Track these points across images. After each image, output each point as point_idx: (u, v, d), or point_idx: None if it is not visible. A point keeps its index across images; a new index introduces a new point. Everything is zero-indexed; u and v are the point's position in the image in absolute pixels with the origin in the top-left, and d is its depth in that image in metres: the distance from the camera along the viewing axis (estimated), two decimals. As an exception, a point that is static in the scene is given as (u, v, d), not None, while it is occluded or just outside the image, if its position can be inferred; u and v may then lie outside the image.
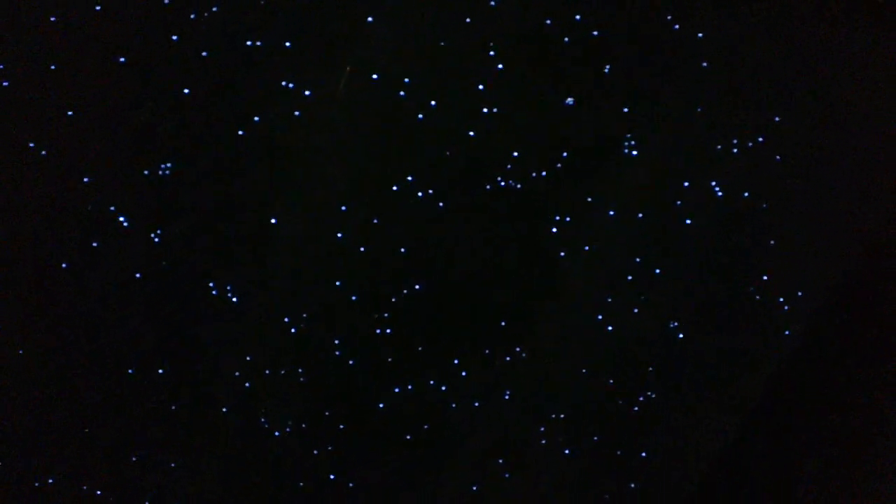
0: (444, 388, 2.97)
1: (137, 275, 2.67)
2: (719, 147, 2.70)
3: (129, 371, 2.78)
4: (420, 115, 2.58)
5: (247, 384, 2.84)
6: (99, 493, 2.86)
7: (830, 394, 2.92)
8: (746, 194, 2.76)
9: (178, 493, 2.94)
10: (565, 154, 2.65)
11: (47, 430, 2.79)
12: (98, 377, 2.77)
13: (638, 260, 2.84)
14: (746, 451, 3.03)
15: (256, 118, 2.55)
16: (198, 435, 2.89)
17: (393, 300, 2.84)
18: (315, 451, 2.96)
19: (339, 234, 2.74)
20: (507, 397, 3.03)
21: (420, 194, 2.71)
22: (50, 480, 2.80)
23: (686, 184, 2.73)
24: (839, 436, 2.88)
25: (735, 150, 2.70)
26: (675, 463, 3.17)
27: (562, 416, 3.08)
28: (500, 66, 2.56)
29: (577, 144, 2.66)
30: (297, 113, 2.57)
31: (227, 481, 2.97)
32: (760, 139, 2.71)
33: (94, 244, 2.63)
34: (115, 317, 2.72)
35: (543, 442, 3.10)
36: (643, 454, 3.16)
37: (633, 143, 2.64)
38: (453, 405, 3.00)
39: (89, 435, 2.81)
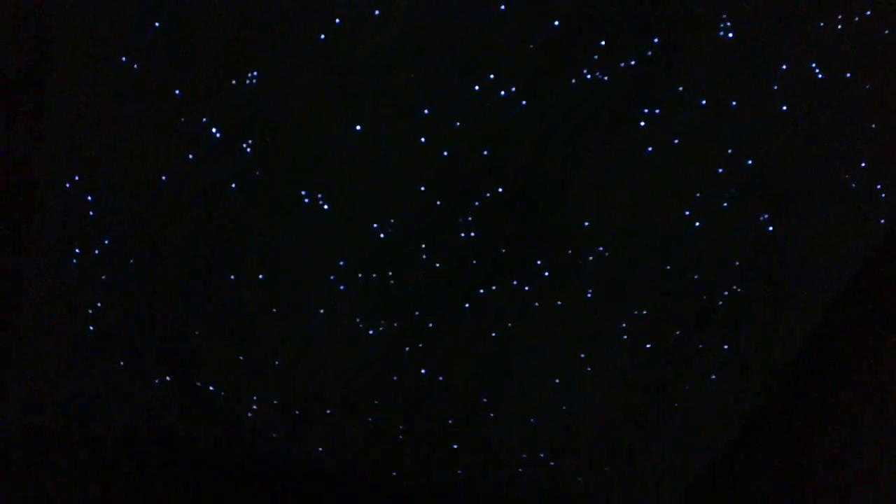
0: (527, 288, 2.92)
1: (233, 185, 2.66)
2: (822, 24, 2.41)
3: (231, 277, 2.82)
4: (503, 6, 2.39)
5: (341, 287, 2.86)
6: (211, 388, 2.98)
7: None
8: (849, 75, 2.49)
9: (281, 391, 3.03)
10: (656, 40, 2.42)
11: (159, 332, 2.89)
12: (191, 281, 2.81)
13: (730, 151, 2.64)
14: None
15: (337, 21, 2.42)
16: (297, 337, 2.95)
17: (476, 204, 2.75)
18: (406, 349, 2.98)
19: (423, 139, 2.63)
20: (589, 296, 2.95)
21: (503, 93, 2.55)
22: (168, 378, 2.92)
23: (784, 66, 2.47)
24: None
25: (840, 27, 2.41)
26: (757, 355, 3.07)
27: (644, 312, 2.99)
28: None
29: (668, 28, 2.42)
30: (377, 12, 2.42)
31: (323, 379, 3.05)
32: (868, 13, 2.40)
33: (190, 156, 2.61)
34: (210, 225, 2.73)
35: (625, 338, 3.04)
36: (725, 347, 3.06)
37: (728, 24, 2.38)
38: (535, 304, 2.95)
39: (195, 338, 2.89)
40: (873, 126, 2.60)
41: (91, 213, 2.63)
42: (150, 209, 2.69)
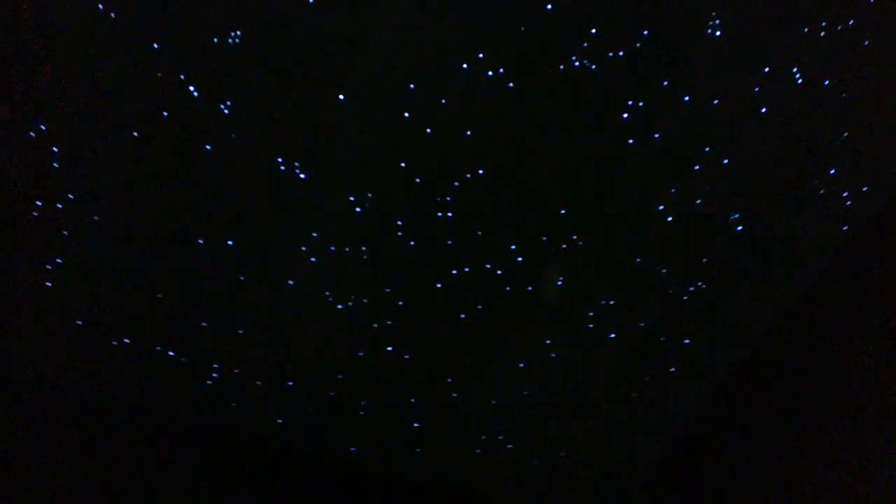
0: (499, 272, 2.91)
1: (207, 146, 2.56)
2: (806, 30, 2.45)
3: (200, 241, 2.73)
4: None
5: (312, 259, 2.79)
6: (171, 353, 2.89)
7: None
8: (827, 83, 2.53)
9: (245, 360, 2.97)
10: (646, 32, 2.41)
11: (125, 294, 2.78)
12: (161, 244, 2.71)
13: (707, 149, 2.67)
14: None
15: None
16: (263, 305, 2.88)
17: (456, 184, 2.71)
18: (375, 325, 2.95)
19: (406, 114, 2.58)
20: (559, 283, 2.96)
21: (490, 73, 2.51)
22: (126, 340, 2.83)
23: (767, 69, 2.50)
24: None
25: (822, 35, 2.45)
26: (716, 351, 3.14)
27: (611, 302, 3.02)
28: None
29: (659, 22, 2.41)
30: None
31: (290, 349, 2.99)
32: (850, 23, 2.44)
33: (165, 113, 2.50)
34: (182, 185, 2.63)
35: (591, 326, 3.07)
36: (686, 342, 3.12)
37: (717, 21, 2.39)
38: (507, 288, 2.94)
39: (160, 301, 2.80)
40: (845, 135, 2.65)
41: (55, 164, 2.50)
42: (116, 165, 2.57)
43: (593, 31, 2.42)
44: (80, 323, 2.76)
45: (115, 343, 2.81)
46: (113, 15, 2.33)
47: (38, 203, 2.55)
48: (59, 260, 2.65)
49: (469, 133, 2.62)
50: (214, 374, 2.94)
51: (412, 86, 2.53)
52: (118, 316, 2.77)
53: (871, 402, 2.64)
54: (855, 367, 2.70)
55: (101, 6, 2.33)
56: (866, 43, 2.45)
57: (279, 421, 3.09)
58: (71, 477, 2.74)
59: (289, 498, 3.07)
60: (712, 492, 3.13)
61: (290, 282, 2.82)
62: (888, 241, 2.66)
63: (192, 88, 2.46)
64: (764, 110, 2.58)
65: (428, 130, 2.61)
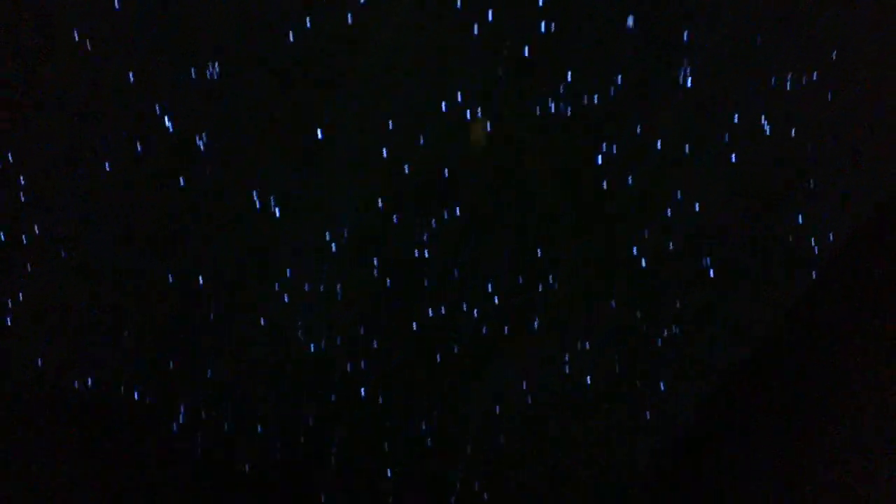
0: (475, 313, 2.88)
1: (181, 180, 2.52)
2: (773, 82, 2.54)
3: (169, 279, 2.66)
4: (475, 30, 2.40)
5: (285, 297, 2.74)
6: (136, 396, 2.78)
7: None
8: (794, 133, 2.61)
9: (213, 402, 2.86)
10: (619, 79, 2.48)
11: (88, 336, 2.69)
12: (133, 279, 2.64)
13: (679, 196, 2.71)
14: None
15: (308, 22, 2.36)
16: (233, 342, 2.80)
17: (433, 223, 2.71)
18: (348, 367, 2.88)
19: (385, 153, 2.58)
20: (535, 325, 2.94)
21: (468, 115, 2.54)
22: (89, 382, 2.72)
23: (736, 118, 2.57)
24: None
25: (789, 87, 2.54)
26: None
27: (587, 345, 3.00)
28: (562, -18, 2.36)
29: (633, 70, 2.48)
30: (349, 18, 2.38)
31: (260, 392, 2.90)
32: (815, 76, 2.54)
33: (139, 148, 2.47)
34: (153, 221, 2.58)
35: (567, 370, 3.03)
36: (661, 387, 3.10)
37: (687, 70, 2.47)
38: (484, 330, 2.91)
39: (128, 342, 2.71)
40: (811, 184, 2.72)
41: (22, 196, 2.43)
42: (90, 197, 2.51)
43: (568, 76, 2.48)
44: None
45: (75, 383, 2.69)
46: (88, 46, 2.32)
47: (2, 237, 2.47)
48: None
49: (446, 173, 2.63)
50: (181, 418, 2.82)
51: (391, 126, 2.55)
52: (83, 352, 2.67)
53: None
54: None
55: (76, 36, 2.32)
56: (829, 98, 2.55)
57: (246, 468, 2.96)
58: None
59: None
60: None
61: (262, 321, 2.75)
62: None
63: (167, 121, 2.45)
64: (733, 159, 2.64)
65: (406, 169, 2.61)
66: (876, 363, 2.63)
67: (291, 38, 2.21)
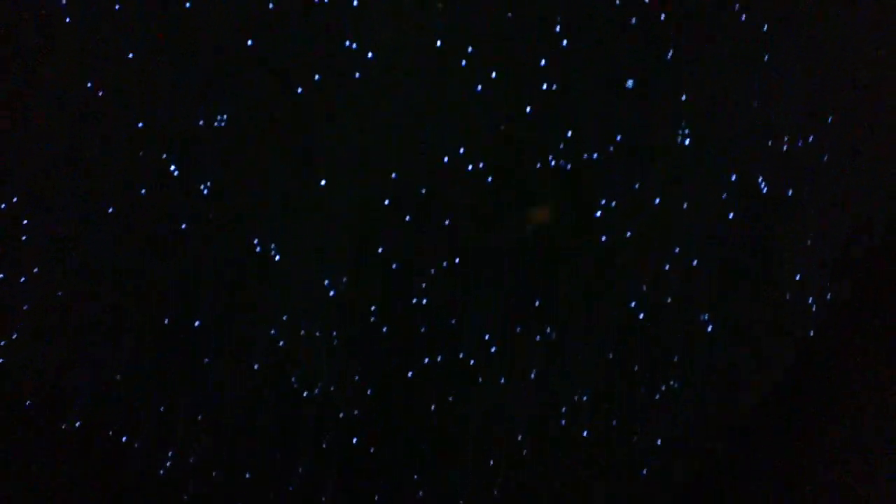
0: (472, 362, 2.85)
1: (183, 225, 2.53)
2: (769, 143, 2.59)
3: (165, 321, 2.65)
4: (479, 87, 2.45)
5: (281, 343, 2.72)
6: (124, 439, 2.74)
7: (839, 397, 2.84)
8: (791, 192, 2.65)
9: (203, 445, 2.82)
10: (619, 137, 2.53)
11: (78, 378, 2.66)
12: (134, 324, 2.63)
13: (677, 250, 2.73)
14: (756, 450, 2.95)
15: (317, 76, 2.42)
16: (228, 389, 2.77)
17: (432, 272, 2.71)
18: (341, 415, 2.84)
19: (387, 202, 2.61)
20: (532, 376, 2.91)
21: (470, 167, 2.58)
22: (77, 423, 2.68)
23: (734, 177, 2.61)
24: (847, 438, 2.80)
25: (785, 148, 2.58)
26: (689, 454, 3.07)
27: (584, 398, 2.97)
28: (564, 42, 2.42)
29: (632, 129, 2.53)
30: (356, 75, 2.43)
31: (251, 436, 2.85)
32: (811, 139, 2.59)
33: (143, 191, 2.49)
34: (156, 264, 2.58)
35: (563, 423, 2.99)
36: (658, 442, 3.06)
37: (686, 132, 2.52)
38: (480, 379, 2.88)
39: (119, 384, 2.68)
40: (808, 242, 2.75)
41: (24, 237, 2.44)
42: (90, 238, 2.52)
43: (569, 133, 2.52)
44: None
45: (63, 425, 2.65)
46: (100, 93, 2.37)
47: (1, 275, 2.47)
48: (14, 335, 2.55)
49: (447, 222, 2.66)
50: (168, 463, 2.78)
51: (394, 175, 2.58)
52: (73, 398, 2.64)
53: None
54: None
55: (89, 84, 2.36)
56: (825, 159, 2.60)
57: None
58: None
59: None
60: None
61: (255, 366, 2.73)
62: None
63: (172, 168, 2.47)
64: (731, 216, 2.67)
65: (407, 218, 2.64)
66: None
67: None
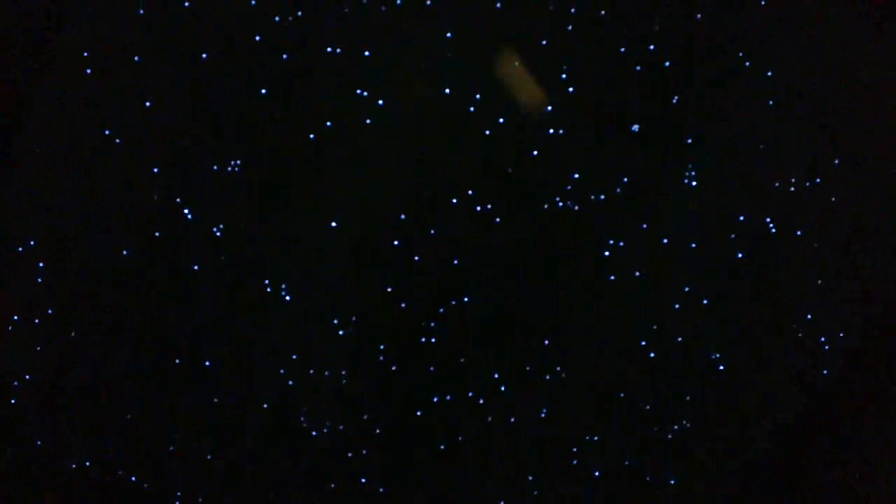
0: (481, 401, 2.84)
1: (195, 266, 2.57)
2: (777, 185, 2.60)
3: (176, 361, 2.67)
4: (487, 131, 2.49)
5: (290, 382, 2.73)
6: (133, 479, 2.74)
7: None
8: (799, 233, 2.64)
9: (212, 487, 2.81)
10: (626, 179, 2.55)
11: (87, 417, 2.68)
12: (144, 366, 2.66)
13: (687, 289, 2.72)
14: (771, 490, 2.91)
15: (329, 123, 2.47)
16: (236, 430, 2.77)
17: (441, 311, 2.72)
18: (349, 454, 2.83)
19: (396, 242, 2.63)
20: (543, 415, 2.89)
21: (478, 208, 2.60)
22: (87, 463, 2.69)
23: (742, 218, 2.62)
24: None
25: (792, 189, 2.59)
26: (704, 494, 3.02)
27: (595, 438, 2.94)
28: (571, 88, 2.47)
29: (639, 171, 2.55)
30: (367, 121, 2.48)
31: (259, 475, 2.84)
32: (818, 180, 2.60)
33: (157, 234, 2.53)
34: (168, 306, 2.61)
35: (575, 462, 2.96)
36: (672, 482, 3.01)
37: (693, 173, 2.54)
38: (489, 419, 2.87)
39: (129, 423, 2.69)
40: (819, 282, 2.73)
41: (39, 279, 2.48)
42: (103, 281, 2.56)
43: (576, 175, 2.55)
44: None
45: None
46: (118, 141, 2.43)
47: (15, 318, 2.51)
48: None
49: (456, 262, 2.67)
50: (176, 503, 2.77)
51: (402, 217, 2.61)
52: (81, 436, 2.65)
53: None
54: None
55: (107, 131, 2.42)
56: (833, 199, 2.60)
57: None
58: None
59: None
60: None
61: (265, 405, 2.73)
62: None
63: (186, 211, 2.52)
64: (739, 256, 2.67)
65: (416, 258, 2.66)
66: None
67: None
